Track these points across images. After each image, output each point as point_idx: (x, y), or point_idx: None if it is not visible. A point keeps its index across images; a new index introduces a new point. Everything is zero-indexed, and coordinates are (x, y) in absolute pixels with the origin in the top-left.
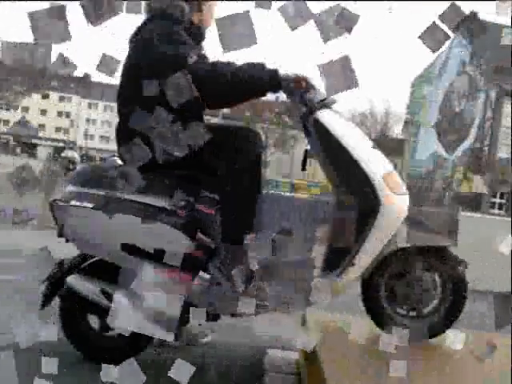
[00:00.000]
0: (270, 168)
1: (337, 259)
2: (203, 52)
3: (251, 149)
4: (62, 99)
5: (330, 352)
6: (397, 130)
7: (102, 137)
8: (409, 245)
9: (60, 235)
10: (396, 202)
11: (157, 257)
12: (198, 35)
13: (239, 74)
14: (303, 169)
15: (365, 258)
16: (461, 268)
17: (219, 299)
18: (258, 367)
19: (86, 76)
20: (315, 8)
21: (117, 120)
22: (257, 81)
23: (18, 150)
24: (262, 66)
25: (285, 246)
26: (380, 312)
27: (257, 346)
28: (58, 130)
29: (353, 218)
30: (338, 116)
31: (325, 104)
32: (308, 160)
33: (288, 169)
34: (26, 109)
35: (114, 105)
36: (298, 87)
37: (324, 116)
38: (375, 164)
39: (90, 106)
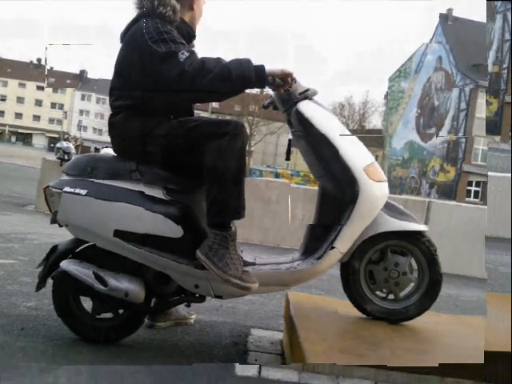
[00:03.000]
0: (254, 158)
1: (317, 243)
2: (194, 48)
3: (236, 139)
4: (55, 90)
5: (310, 331)
6: (374, 121)
7: (95, 128)
8: (387, 230)
9: (53, 221)
10: (375, 189)
11: (149, 243)
12: (189, 33)
13: (227, 71)
14: (287, 158)
15: (344, 242)
16: (435, 252)
17: (205, 282)
18: (242, 346)
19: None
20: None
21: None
22: (244, 77)
23: (14, 138)
24: (248, 63)
25: None
26: (360, 296)
27: (241, 325)
28: (51, 121)
29: (334, 204)
30: (319, 107)
31: (306, 95)
32: (292, 150)
33: (272, 158)
34: (21, 99)
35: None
36: (284, 82)
37: (305, 107)
38: (354, 151)
39: (83, 97)
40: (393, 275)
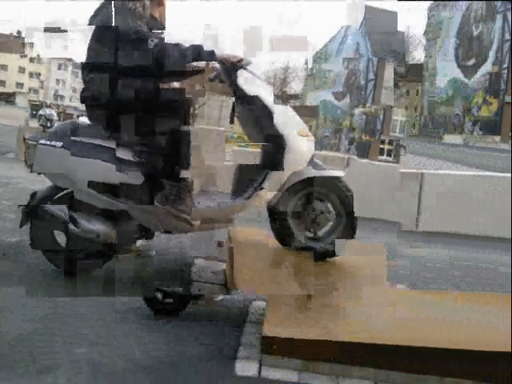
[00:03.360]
0: (198, 121)
1: (246, 184)
2: (162, 36)
3: (180, 106)
4: (32, 61)
5: (243, 261)
6: (295, 86)
7: (71, 99)
8: (308, 176)
9: (32, 171)
10: (301, 144)
11: (117, 193)
12: (158, 28)
13: (184, 54)
14: (231, 122)
15: (272, 183)
16: (351, 196)
17: (155, 218)
18: (187, 275)
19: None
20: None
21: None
22: (197, 59)
23: None
24: (201, 48)
25: None
26: (288, 235)
27: (186, 257)
28: (29, 90)
29: (265, 152)
30: (252, 76)
31: (241, 65)
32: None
33: (216, 122)
34: (4, 67)
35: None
36: (231, 64)
37: (240, 77)
38: (286, 113)
39: (59, 67)
40: (312, 216)
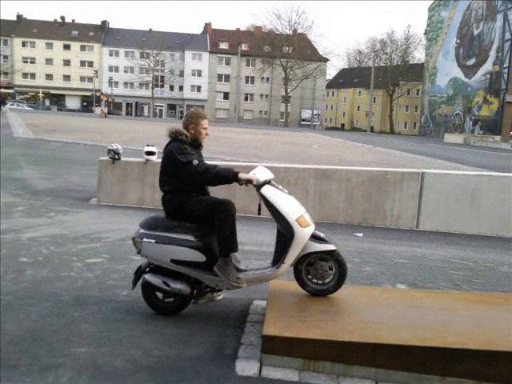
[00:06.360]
0: (292, 103)
1: (276, 259)
2: (202, 158)
3: (227, 211)
4: (83, 49)
5: (275, 308)
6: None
7: (125, 83)
8: (314, 250)
9: (139, 253)
10: (303, 232)
11: (189, 265)
12: (197, 145)
13: (218, 173)
14: (259, 214)
15: (290, 259)
16: (342, 260)
17: (215, 282)
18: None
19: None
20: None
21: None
22: (227, 177)
23: (48, 102)
24: (230, 170)
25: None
26: (303, 282)
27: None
28: (82, 79)
29: (284, 238)
30: (273, 188)
31: (266, 182)
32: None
33: (310, 102)
34: (50, 60)
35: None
36: (249, 183)
37: (265, 190)
38: (292, 211)
39: (111, 53)
40: (319, 271)
